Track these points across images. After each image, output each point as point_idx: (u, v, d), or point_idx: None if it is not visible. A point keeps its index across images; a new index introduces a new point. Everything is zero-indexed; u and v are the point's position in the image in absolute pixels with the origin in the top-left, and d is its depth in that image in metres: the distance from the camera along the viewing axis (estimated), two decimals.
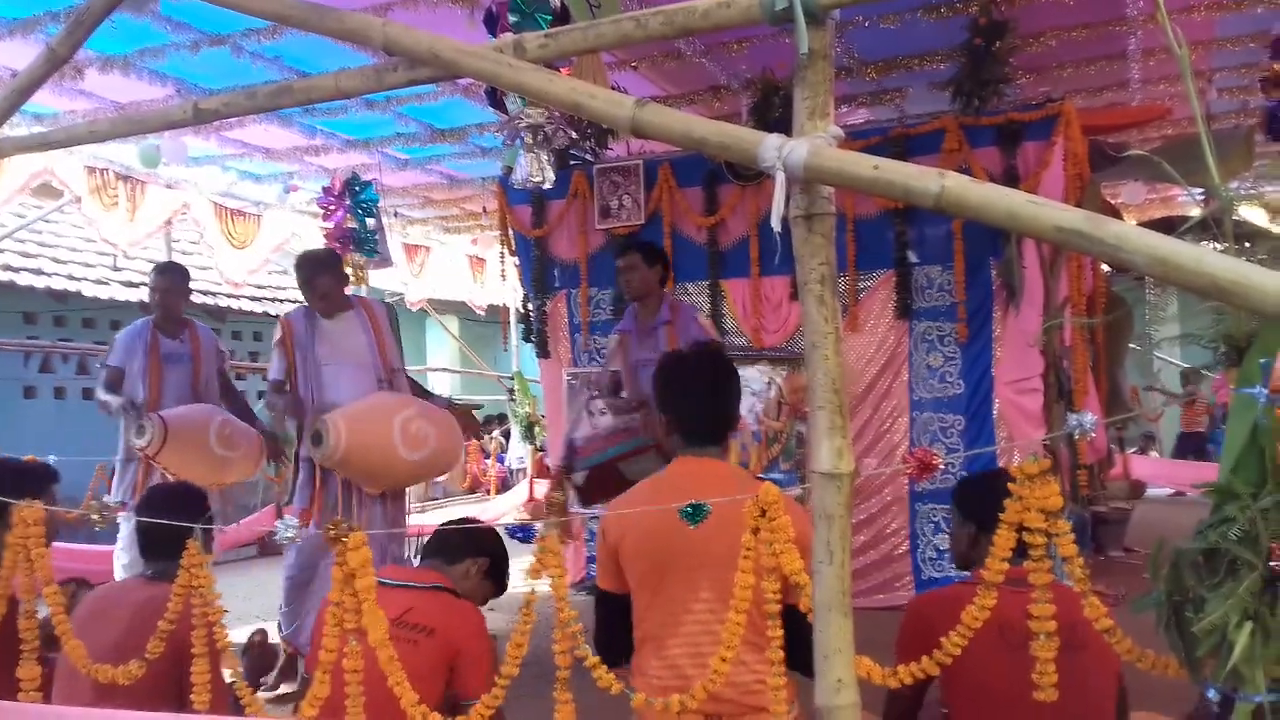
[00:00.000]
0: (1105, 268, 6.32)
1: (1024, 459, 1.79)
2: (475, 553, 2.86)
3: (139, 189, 7.73)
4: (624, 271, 5.05)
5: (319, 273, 4.73)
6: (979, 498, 2.57)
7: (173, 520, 2.67)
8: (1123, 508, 7.69)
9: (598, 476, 4.48)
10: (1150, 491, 8.60)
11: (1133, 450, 10.69)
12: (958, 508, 2.68)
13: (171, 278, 5.58)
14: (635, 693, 2.16)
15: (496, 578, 2.96)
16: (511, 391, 12.05)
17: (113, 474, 5.41)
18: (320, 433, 4.15)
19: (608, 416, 4.87)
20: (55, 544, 2.77)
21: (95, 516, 2.83)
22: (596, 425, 4.93)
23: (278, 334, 4.77)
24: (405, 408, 4.45)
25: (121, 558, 5.22)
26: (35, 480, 3.06)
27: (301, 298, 4.91)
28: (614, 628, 2.48)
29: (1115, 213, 7.56)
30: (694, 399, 2.58)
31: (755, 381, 6.09)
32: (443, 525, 2.82)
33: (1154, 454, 12.77)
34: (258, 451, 5.50)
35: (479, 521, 3.15)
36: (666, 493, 2.38)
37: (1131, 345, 7.93)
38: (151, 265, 6.34)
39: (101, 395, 5.35)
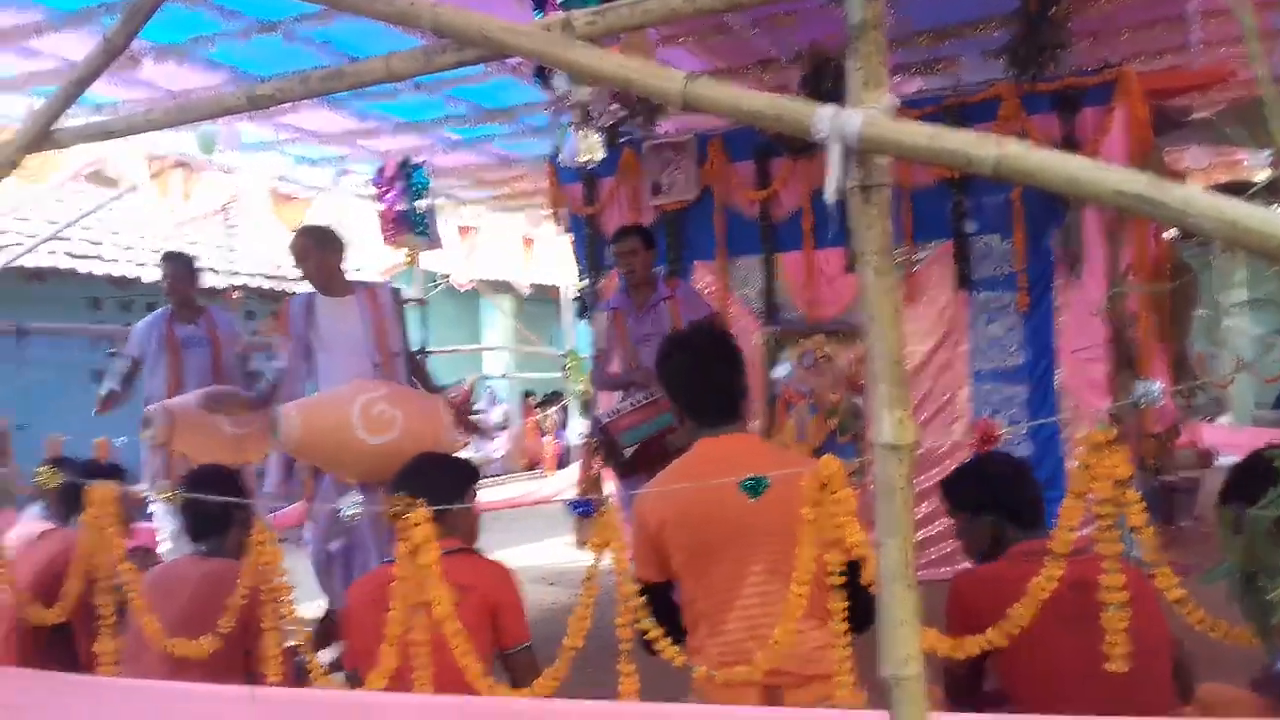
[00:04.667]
0: (1170, 233, 6.18)
1: (1090, 428, 1.76)
2: (447, 513, 2.73)
3: (195, 176, 7.86)
4: (626, 256, 5.17)
5: (315, 244, 4.69)
6: (982, 485, 2.60)
7: (215, 497, 2.77)
8: (1192, 477, 7.55)
9: (644, 452, 4.50)
10: (1220, 460, 8.42)
11: (1201, 418, 10.47)
12: (963, 508, 2.65)
13: (178, 265, 5.64)
14: (697, 666, 2.17)
15: (468, 483, 2.95)
16: (566, 369, 12.13)
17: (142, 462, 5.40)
18: (276, 421, 4.11)
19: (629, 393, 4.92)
20: None
21: (166, 496, 2.92)
22: (618, 401, 4.98)
23: (274, 319, 4.77)
24: (368, 391, 4.27)
25: (165, 544, 5.21)
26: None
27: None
28: (663, 616, 2.37)
29: (1179, 178, 7.38)
30: (696, 381, 2.58)
31: (810, 355, 6.06)
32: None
33: (1224, 420, 12.51)
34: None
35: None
36: (702, 473, 2.36)
37: (1198, 311, 7.76)
38: (216, 249, 6.44)
39: (108, 384, 5.37)
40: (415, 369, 5.00)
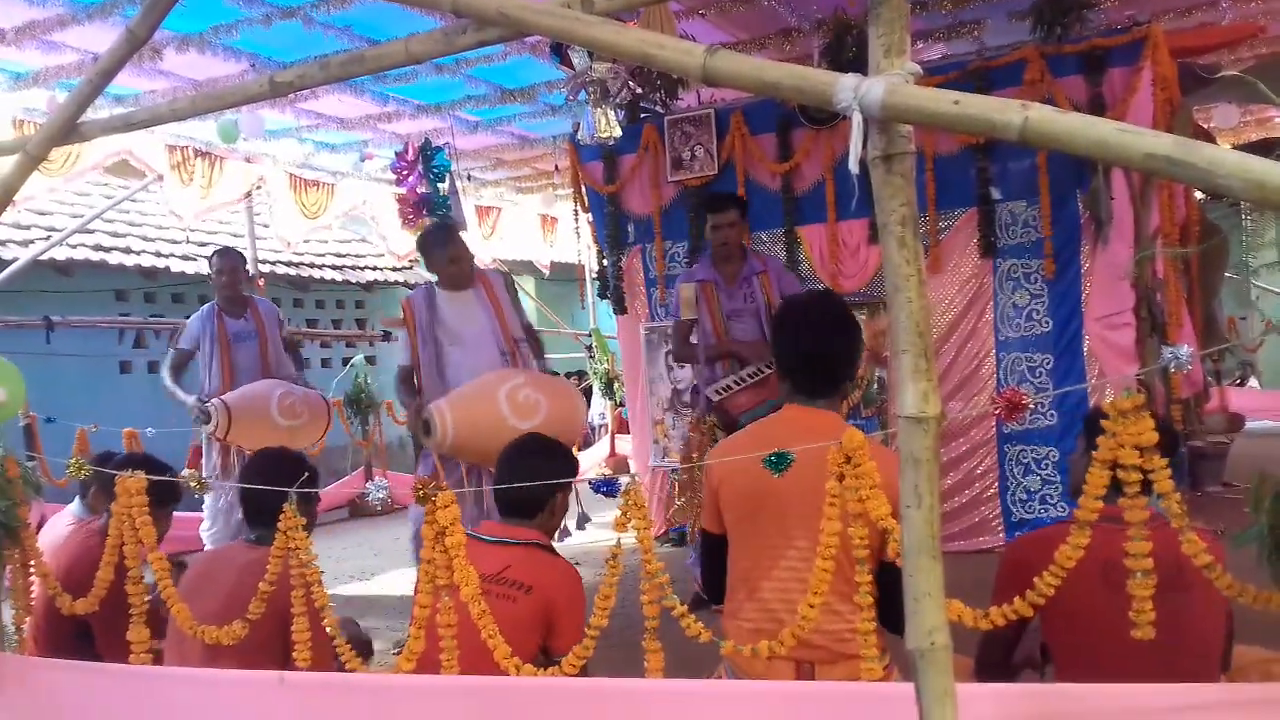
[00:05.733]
0: (1198, 195, 6.11)
1: (1117, 395, 1.74)
2: (548, 494, 2.83)
3: (218, 164, 7.91)
4: (724, 228, 5.02)
5: (446, 239, 4.71)
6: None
7: (273, 487, 2.77)
8: (1221, 442, 7.48)
9: None
10: (1249, 424, 8.34)
11: (1230, 382, 10.36)
12: (1087, 434, 2.61)
13: (233, 259, 5.91)
14: (724, 640, 2.18)
15: (568, 474, 2.98)
16: (590, 349, 12.13)
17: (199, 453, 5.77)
18: (429, 423, 4.09)
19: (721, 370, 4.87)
20: None
21: (194, 485, 2.93)
22: (722, 376, 4.91)
23: (401, 317, 4.70)
24: (510, 379, 4.29)
25: (208, 529, 5.56)
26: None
27: (422, 276, 4.84)
28: (719, 567, 2.53)
29: (1208, 137, 7.27)
30: (803, 348, 2.54)
31: None
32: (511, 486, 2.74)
33: (1253, 385, 12.38)
34: (323, 415, 5.78)
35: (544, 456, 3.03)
36: (764, 440, 2.37)
37: (1228, 274, 7.67)
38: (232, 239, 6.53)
39: (168, 383, 5.62)
40: (536, 347, 4.92)
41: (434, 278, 4.76)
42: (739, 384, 4.72)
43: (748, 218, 5.19)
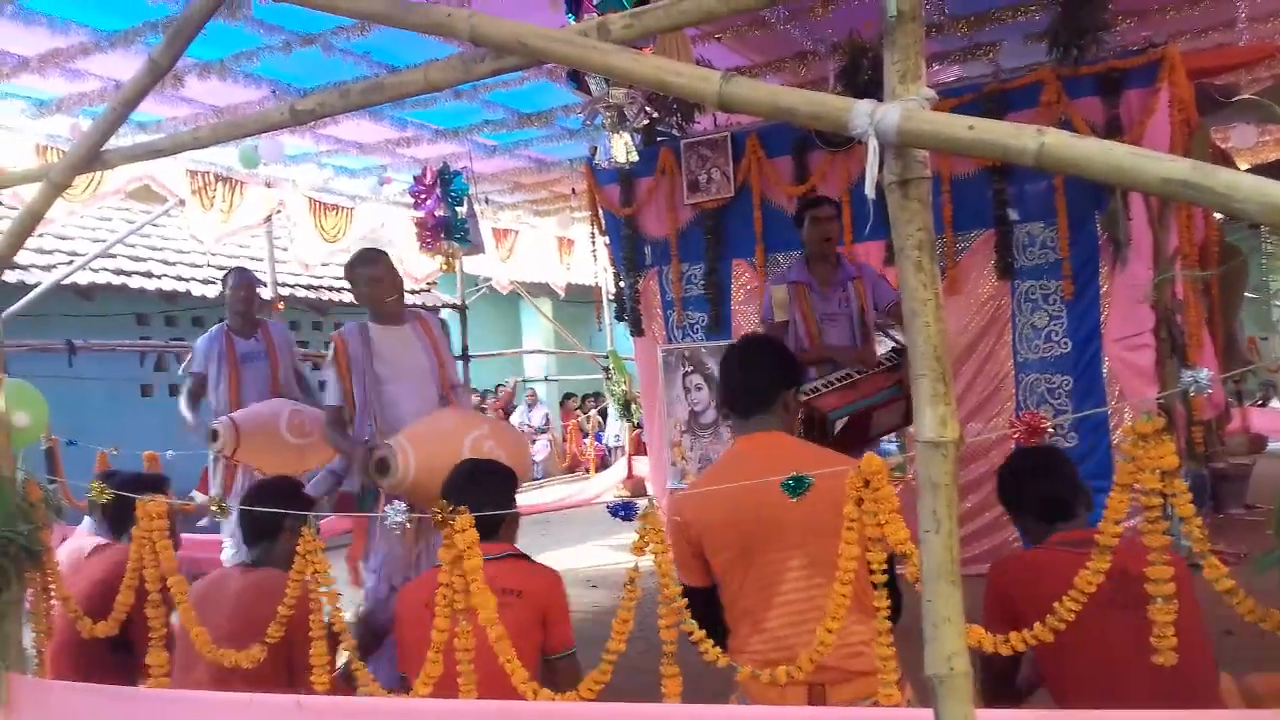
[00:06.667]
0: (1217, 216, 6.08)
1: (1137, 418, 1.73)
2: (503, 518, 2.86)
3: (238, 189, 7.98)
4: (823, 222, 4.90)
5: (389, 268, 4.40)
6: (1004, 487, 2.68)
7: (272, 510, 2.86)
8: (1243, 464, 7.42)
9: (854, 425, 4.45)
10: (1272, 445, 8.27)
11: (1252, 403, 10.28)
12: (1004, 504, 2.74)
13: (248, 277, 5.91)
14: (741, 666, 2.17)
15: (514, 488, 3.09)
16: (607, 370, 12.15)
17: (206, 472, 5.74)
18: (387, 460, 3.79)
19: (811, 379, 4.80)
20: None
21: (215, 508, 2.95)
22: (823, 375, 4.86)
23: (331, 354, 4.34)
24: (475, 427, 4.08)
25: (228, 548, 5.53)
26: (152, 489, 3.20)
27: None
28: (709, 620, 2.39)
29: (1226, 158, 7.25)
30: (730, 375, 2.65)
31: None
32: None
33: (1275, 405, 12.27)
34: None
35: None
36: (741, 473, 2.36)
37: (1248, 295, 7.62)
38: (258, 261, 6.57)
39: (184, 409, 5.66)
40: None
41: (424, 305, 4.68)
42: (828, 386, 4.66)
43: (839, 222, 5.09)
